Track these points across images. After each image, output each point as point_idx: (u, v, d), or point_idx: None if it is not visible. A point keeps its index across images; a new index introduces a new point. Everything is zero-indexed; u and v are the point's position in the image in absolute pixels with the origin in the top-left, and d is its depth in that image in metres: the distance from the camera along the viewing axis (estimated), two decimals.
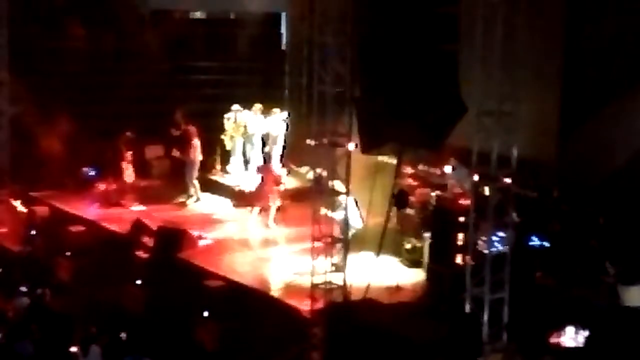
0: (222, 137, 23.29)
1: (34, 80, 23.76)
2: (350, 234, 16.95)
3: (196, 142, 22.23)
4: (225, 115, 23.20)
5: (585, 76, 18.68)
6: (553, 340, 14.48)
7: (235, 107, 23.09)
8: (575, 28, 18.53)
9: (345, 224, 16.54)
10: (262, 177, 20.99)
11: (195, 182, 22.46)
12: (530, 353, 14.41)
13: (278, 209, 20.58)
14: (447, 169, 18.68)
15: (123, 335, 15.30)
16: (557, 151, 18.64)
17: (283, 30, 25.92)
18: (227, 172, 23.45)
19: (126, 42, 25.04)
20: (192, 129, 22.34)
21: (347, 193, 16.52)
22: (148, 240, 19.32)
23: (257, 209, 20.46)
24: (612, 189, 16.95)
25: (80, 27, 24.90)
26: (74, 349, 14.98)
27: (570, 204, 17.21)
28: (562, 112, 18.98)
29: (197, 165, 22.37)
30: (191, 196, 22.39)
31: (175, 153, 22.59)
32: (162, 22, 25.69)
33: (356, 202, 17.46)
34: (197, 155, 22.25)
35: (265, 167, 21.73)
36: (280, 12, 25.84)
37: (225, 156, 23.60)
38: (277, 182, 20.75)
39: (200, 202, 22.38)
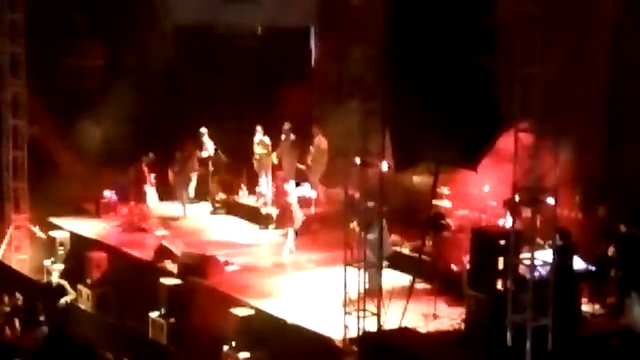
0: (256, 158, 23.41)
1: (53, 100, 24.06)
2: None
3: (194, 160, 22.79)
4: (256, 137, 23.34)
5: (633, 88, 18.68)
6: None
7: (259, 128, 23.36)
8: (622, 38, 18.55)
9: (379, 248, 16.57)
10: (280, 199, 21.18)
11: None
12: None
13: (297, 234, 20.65)
14: (486, 189, 18.74)
15: None
16: (603, 169, 18.62)
17: (312, 45, 26.09)
18: (253, 195, 23.61)
19: (148, 59, 25.25)
20: (190, 146, 22.73)
21: (381, 215, 16.58)
22: (172, 267, 19.49)
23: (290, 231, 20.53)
24: None
25: (99, 44, 25.20)
26: None
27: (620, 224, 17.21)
28: (609, 128, 18.96)
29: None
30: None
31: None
32: (186, 38, 25.92)
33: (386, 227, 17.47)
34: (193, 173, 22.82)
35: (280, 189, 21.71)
36: (309, 26, 26.01)
37: (253, 177, 23.75)
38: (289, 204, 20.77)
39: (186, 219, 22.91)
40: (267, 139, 23.29)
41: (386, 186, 16.14)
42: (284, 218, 20.62)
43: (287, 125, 23.27)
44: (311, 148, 23.05)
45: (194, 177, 23.24)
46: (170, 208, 23.69)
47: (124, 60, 25.30)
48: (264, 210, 22.60)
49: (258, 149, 23.31)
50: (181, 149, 23.05)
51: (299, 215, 20.55)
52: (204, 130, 23.91)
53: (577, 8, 17.89)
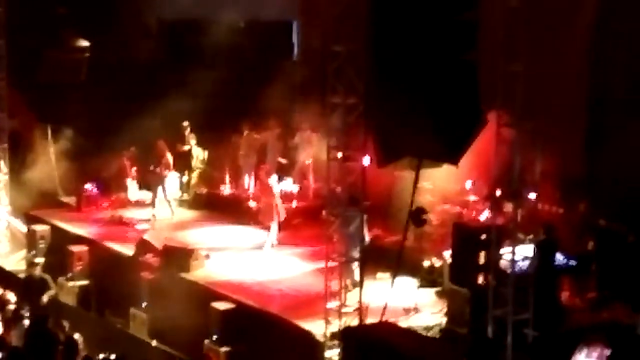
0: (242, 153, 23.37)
1: (34, 93, 23.96)
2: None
3: (167, 158, 22.51)
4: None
5: (613, 84, 18.76)
6: None
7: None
8: (602, 36, 18.63)
9: (361, 242, 16.62)
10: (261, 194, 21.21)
11: (170, 197, 22.74)
12: None
13: (280, 229, 20.65)
14: (468, 184, 18.81)
15: None
16: (584, 164, 18.71)
17: (294, 39, 26.09)
18: (236, 189, 23.59)
19: (130, 52, 25.17)
20: (162, 143, 22.56)
21: (363, 209, 16.59)
22: (154, 260, 19.46)
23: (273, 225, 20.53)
24: None
25: (81, 37, 25.09)
26: None
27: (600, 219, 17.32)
28: (589, 123, 19.05)
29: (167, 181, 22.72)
30: (154, 215, 22.51)
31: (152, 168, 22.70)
32: (169, 31, 25.84)
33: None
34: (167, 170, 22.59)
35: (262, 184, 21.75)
36: (291, 20, 26.00)
37: (237, 172, 23.72)
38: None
39: (174, 218, 22.56)
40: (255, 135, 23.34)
41: (367, 181, 16.19)
42: (267, 212, 20.61)
43: (271, 120, 23.29)
44: (296, 141, 23.06)
45: (170, 174, 22.94)
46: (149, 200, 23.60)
47: (107, 54, 25.18)
48: (246, 205, 22.59)
49: (242, 143, 23.34)
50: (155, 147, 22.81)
51: (281, 210, 20.58)
52: (186, 123, 23.86)
53: (558, 5, 17.98)
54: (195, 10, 25.63)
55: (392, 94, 15.37)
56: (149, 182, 22.98)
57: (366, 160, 16.09)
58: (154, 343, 17.80)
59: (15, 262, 22.44)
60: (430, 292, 17.72)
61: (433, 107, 14.88)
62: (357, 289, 16.26)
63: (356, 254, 16.48)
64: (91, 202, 23.37)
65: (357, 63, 15.74)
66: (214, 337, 17.06)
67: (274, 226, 20.42)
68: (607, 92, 18.72)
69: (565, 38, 18.10)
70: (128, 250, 20.21)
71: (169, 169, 22.59)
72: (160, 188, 22.47)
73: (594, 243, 16.85)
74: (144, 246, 19.82)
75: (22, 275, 20.61)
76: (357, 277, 16.60)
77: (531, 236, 14.78)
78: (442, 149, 15.22)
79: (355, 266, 16.68)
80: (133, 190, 23.37)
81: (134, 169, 23.41)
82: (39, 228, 22.04)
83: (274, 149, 23.33)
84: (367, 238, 17.74)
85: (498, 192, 14.68)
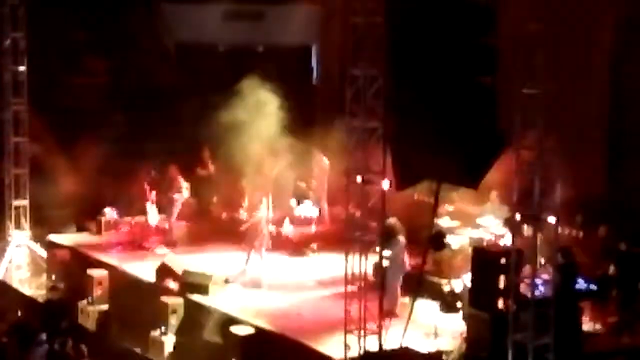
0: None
1: (54, 117, 24.09)
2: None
3: (180, 182, 22.49)
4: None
5: (633, 110, 18.74)
6: None
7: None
8: (622, 62, 18.62)
9: (380, 266, 16.56)
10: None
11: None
12: None
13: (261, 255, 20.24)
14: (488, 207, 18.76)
15: None
16: (604, 188, 18.65)
17: (314, 64, 26.14)
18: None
19: (150, 77, 25.27)
20: (174, 168, 22.57)
21: (383, 234, 16.53)
22: (174, 285, 19.45)
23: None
24: None
25: (101, 62, 25.24)
26: None
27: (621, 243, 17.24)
28: (609, 146, 19.00)
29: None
30: None
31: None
32: (188, 56, 25.94)
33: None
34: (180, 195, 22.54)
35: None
36: (310, 44, 26.05)
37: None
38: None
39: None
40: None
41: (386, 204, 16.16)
42: (251, 237, 20.31)
43: (284, 144, 23.30)
44: (314, 168, 23.08)
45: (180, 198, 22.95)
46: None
47: (126, 78, 25.31)
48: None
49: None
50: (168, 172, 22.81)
51: (266, 235, 20.30)
52: (205, 148, 23.88)
53: (577, 28, 17.96)
54: (214, 34, 25.74)
55: (412, 117, 15.39)
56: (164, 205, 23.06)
57: (385, 184, 16.05)
58: None
59: (35, 287, 22.50)
60: (450, 316, 17.61)
61: (452, 130, 14.89)
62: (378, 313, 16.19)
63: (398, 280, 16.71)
64: (111, 226, 23.40)
65: (376, 86, 15.75)
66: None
67: (254, 253, 20.07)
68: (627, 118, 18.67)
69: (585, 64, 18.07)
70: (148, 275, 20.18)
71: (180, 193, 22.59)
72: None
73: (615, 267, 16.77)
74: (164, 271, 19.80)
75: (41, 300, 20.70)
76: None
77: (551, 260, 14.69)
78: (462, 172, 15.20)
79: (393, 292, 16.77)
80: (153, 215, 23.35)
81: (154, 193, 23.43)
82: (59, 252, 22.06)
83: (287, 173, 23.28)
84: (407, 265, 17.82)
85: (518, 216, 14.61)
